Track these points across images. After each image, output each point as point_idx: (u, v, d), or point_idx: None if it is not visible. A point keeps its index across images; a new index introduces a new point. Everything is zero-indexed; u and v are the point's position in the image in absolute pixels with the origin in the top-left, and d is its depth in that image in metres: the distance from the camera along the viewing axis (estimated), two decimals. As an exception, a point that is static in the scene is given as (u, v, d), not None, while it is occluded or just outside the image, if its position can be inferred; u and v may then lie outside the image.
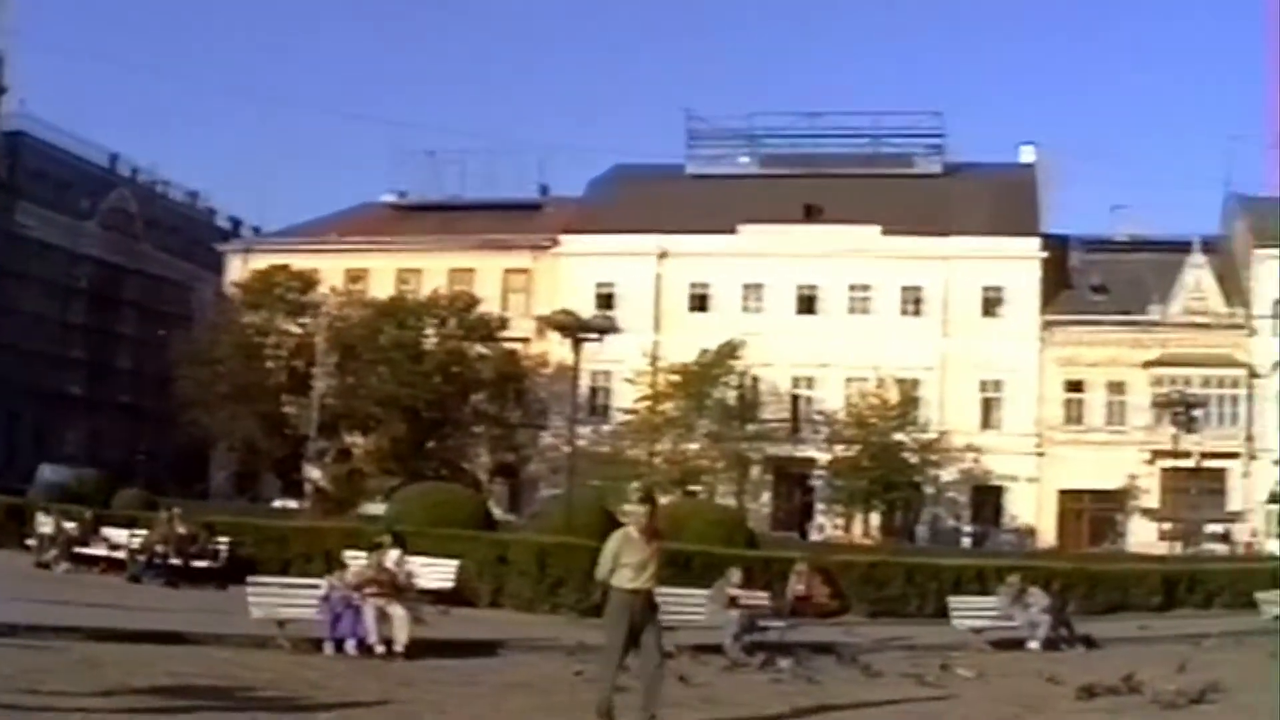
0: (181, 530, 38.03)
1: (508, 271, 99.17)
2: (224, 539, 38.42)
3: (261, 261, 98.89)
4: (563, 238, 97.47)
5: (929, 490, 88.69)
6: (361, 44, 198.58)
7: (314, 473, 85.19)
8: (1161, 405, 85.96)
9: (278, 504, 77.12)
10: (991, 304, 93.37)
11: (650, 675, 16.65)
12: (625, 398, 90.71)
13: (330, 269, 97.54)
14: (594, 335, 48.51)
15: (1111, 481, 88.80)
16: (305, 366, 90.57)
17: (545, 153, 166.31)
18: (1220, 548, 79.32)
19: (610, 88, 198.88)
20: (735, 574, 29.67)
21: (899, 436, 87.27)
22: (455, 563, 34.66)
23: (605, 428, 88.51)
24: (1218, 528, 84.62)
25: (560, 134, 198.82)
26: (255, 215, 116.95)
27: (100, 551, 39.84)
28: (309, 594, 24.88)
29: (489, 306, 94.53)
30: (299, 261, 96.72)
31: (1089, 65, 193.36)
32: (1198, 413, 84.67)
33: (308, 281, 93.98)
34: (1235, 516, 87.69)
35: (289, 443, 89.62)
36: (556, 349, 67.99)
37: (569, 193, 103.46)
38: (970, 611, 33.00)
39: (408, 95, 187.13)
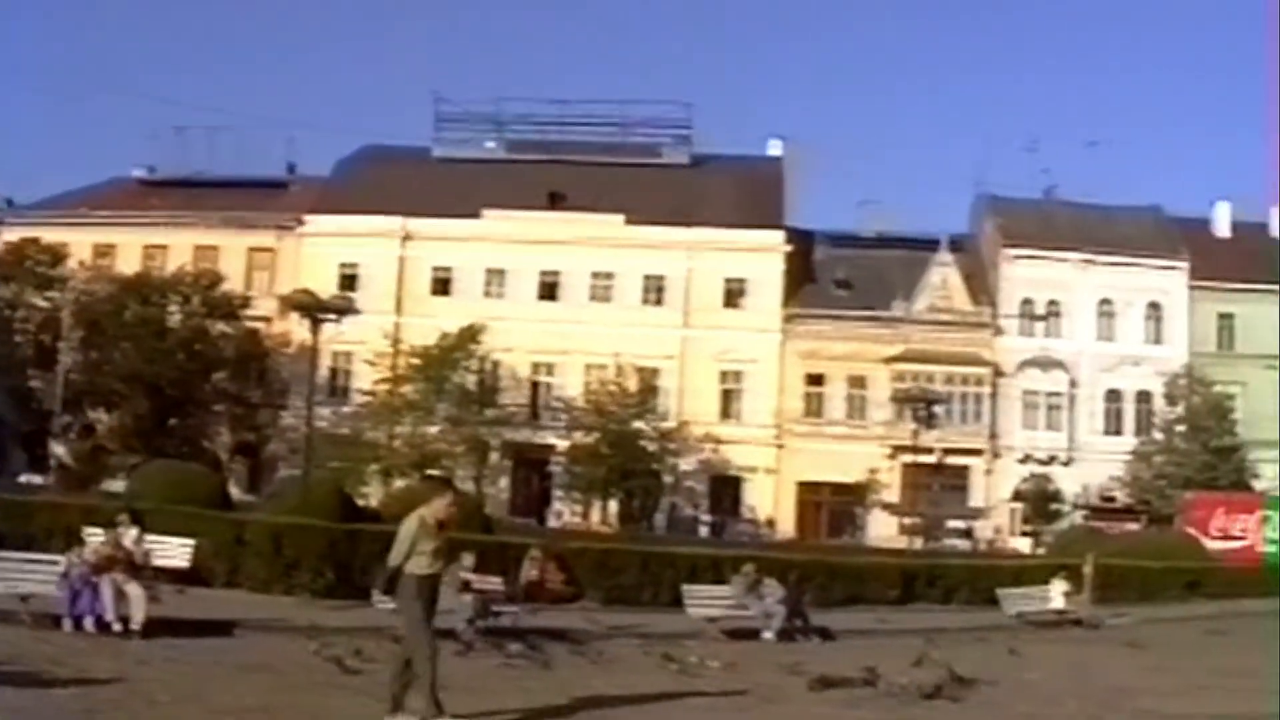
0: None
1: (252, 250, 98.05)
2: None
3: (13, 235, 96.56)
4: (308, 217, 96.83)
5: (668, 479, 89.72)
6: (115, 17, 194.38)
7: (58, 448, 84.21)
8: (900, 400, 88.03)
9: (24, 479, 75.88)
10: (734, 295, 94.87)
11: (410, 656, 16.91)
12: (366, 379, 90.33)
13: (79, 243, 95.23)
14: (332, 316, 48.55)
15: (852, 475, 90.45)
16: (52, 341, 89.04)
17: (296, 131, 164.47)
18: (962, 544, 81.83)
19: (363, 67, 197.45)
20: (468, 558, 30.08)
21: (638, 425, 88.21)
22: (191, 542, 34.43)
23: (345, 409, 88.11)
24: (960, 524, 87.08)
25: (312, 113, 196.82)
26: (10, 188, 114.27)
27: None
28: (50, 570, 24.92)
29: (234, 285, 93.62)
30: (49, 235, 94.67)
31: (843, 61, 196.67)
32: (939, 409, 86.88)
33: (57, 255, 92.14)
34: (977, 513, 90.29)
35: (35, 418, 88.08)
36: (299, 329, 67.74)
37: (319, 172, 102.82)
38: (705, 600, 33.80)
39: (162, 70, 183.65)
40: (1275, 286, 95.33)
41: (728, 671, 25.05)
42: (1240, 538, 74.74)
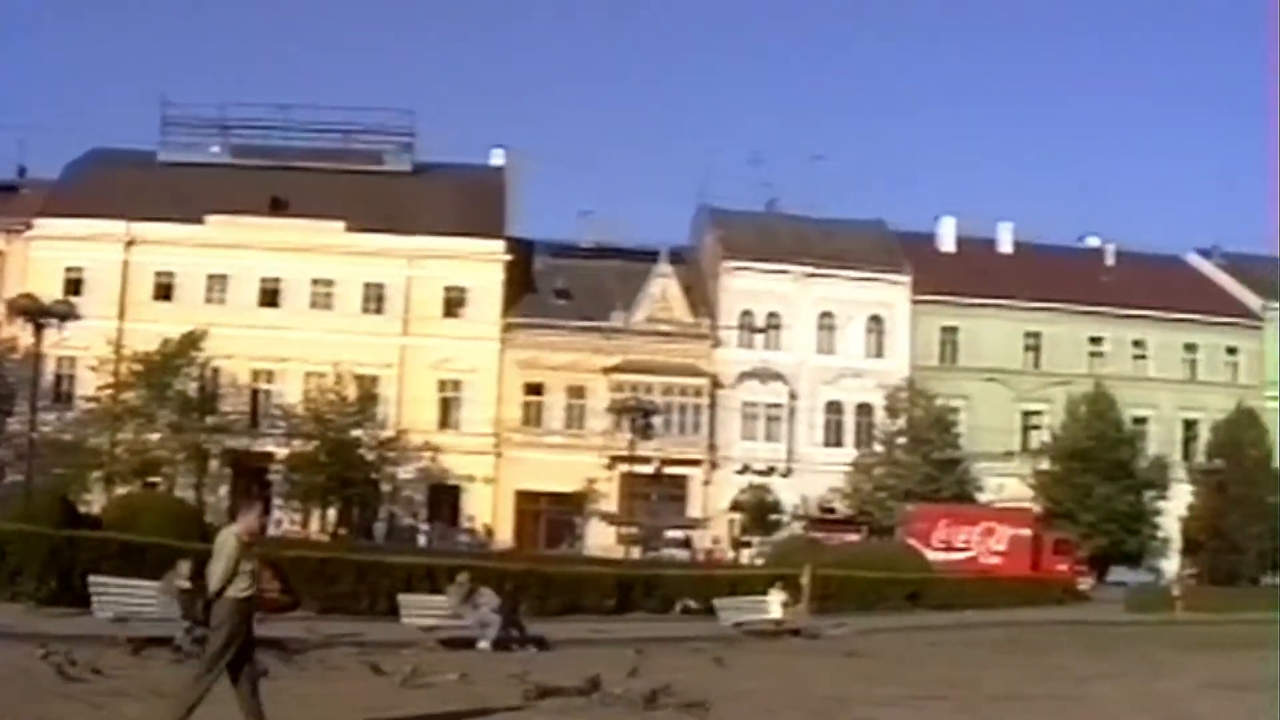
0: None
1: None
2: None
3: None
4: (36, 221, 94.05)
5: (386, 488, 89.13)
6: None
7: None
8: (617, 411, 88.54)
9: None
10: (453, 304, 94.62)
11: (253, 681, 16.08)
12: (90, 385, 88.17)
13: None
14: (54, 320, 47.66)
15: (570, 484, 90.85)
16: None
17: (28, 134, 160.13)
18: (681, 554, 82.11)
19: (95, 69, 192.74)
20: (185, 566, 29.16)
21: (357, 433, 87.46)
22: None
23: (70, 415, 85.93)
24: (678, 534, 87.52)
25: (44, 115, 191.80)
26: None
27: None
28: None
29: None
30: None
31: (568, 71, 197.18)
32: (657, 420, 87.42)
33: None
34: (696, 523, 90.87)
35: None
36: (25, 334, 66.23)
37: (50, 175, 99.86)
38: (421, 610, 33.28)
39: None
40: (1000, 300, 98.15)
41: (459, 682, 24.60)
42: (963, 549, 76.36)
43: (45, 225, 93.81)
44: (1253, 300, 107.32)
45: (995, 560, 76.14)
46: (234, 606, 15.74)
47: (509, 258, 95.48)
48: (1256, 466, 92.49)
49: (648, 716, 21.26)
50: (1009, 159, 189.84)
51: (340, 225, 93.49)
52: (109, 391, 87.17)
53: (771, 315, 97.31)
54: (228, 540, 15.95)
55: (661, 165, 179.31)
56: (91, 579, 28.52)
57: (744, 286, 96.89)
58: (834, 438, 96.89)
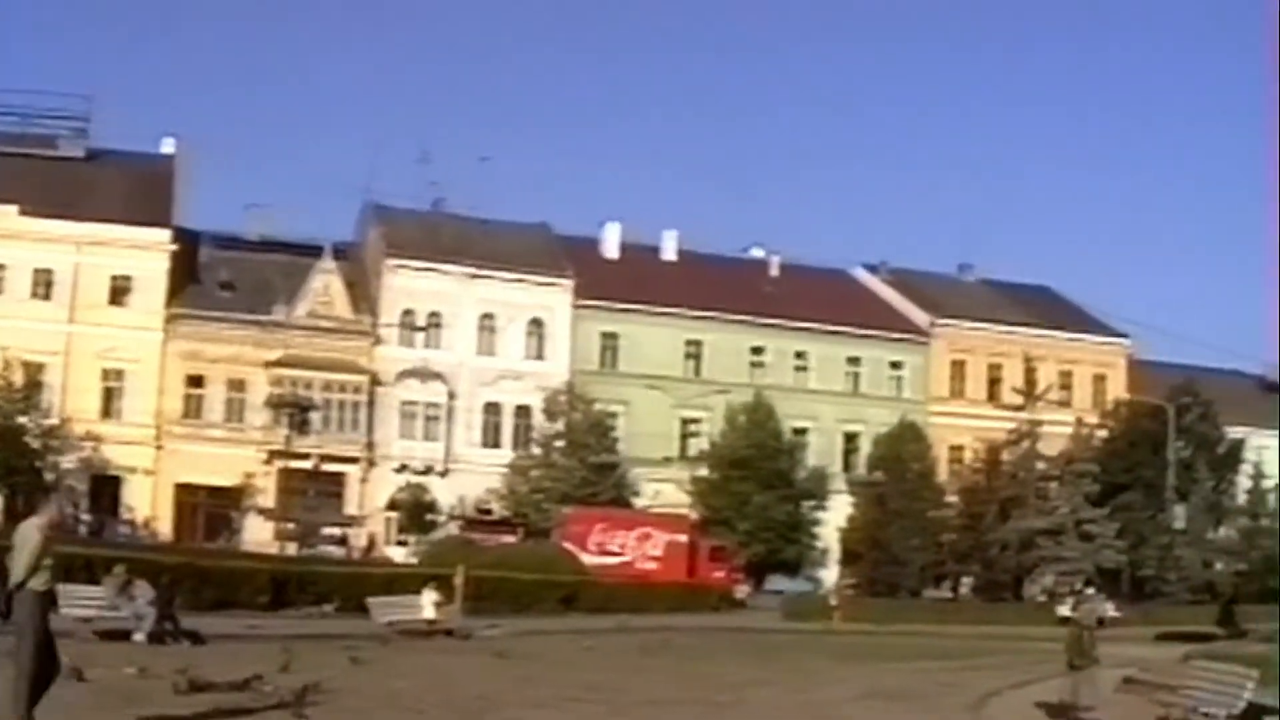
0: None
1: None
2: None
3: None
4: None
5: (50, 477, 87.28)
6: None
7: None
8: (274, 405, 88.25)
9: None
10: (119, 292, 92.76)
11: (50, 678, 15.95)
12: None
13: None
14: None
15: (229, 478, 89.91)
16: None
17: None
18: (338, 551, 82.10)
19: None
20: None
21: (22, 420, 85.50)
22: None
23: None
24: (335, 531, 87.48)
25: None
26: None
27: None
28: None
29: None
30: None
31: (245, 63, 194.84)
32: (316, 416, 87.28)
33: None
34: (353, 520, 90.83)
35: None
36: None
37: None
38: (79, 601, 33.27)
39: None
40: (662, 307, 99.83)
41: (114, 674, 24.62)
42: (619, 554, 77.59)
43: None
44: (919, 316, 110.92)
45: (651, 565, 77.41)
46: (36, 600, 15.82)
47: (175, 248, 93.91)
48: (918, 480, 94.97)
49: (295, 713, 21.37)
50: (676, 167, 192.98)
51: (14, 209, 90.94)
52: None
53: (433, 314, 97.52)
54: (30, 533, 15.99)
55: (331, 161, 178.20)
56: None
57: (406, 285, 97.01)
58: (492, 439, 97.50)
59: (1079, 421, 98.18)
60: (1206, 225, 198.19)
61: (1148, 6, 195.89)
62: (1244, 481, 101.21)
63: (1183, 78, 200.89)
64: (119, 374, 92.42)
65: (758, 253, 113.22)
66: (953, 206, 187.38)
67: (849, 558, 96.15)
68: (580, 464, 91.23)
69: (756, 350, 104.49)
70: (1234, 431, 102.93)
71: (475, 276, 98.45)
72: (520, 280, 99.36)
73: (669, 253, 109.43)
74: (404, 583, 47.98)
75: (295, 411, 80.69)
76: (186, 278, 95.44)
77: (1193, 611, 73.57)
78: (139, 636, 31.95)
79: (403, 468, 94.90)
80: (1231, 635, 48.46)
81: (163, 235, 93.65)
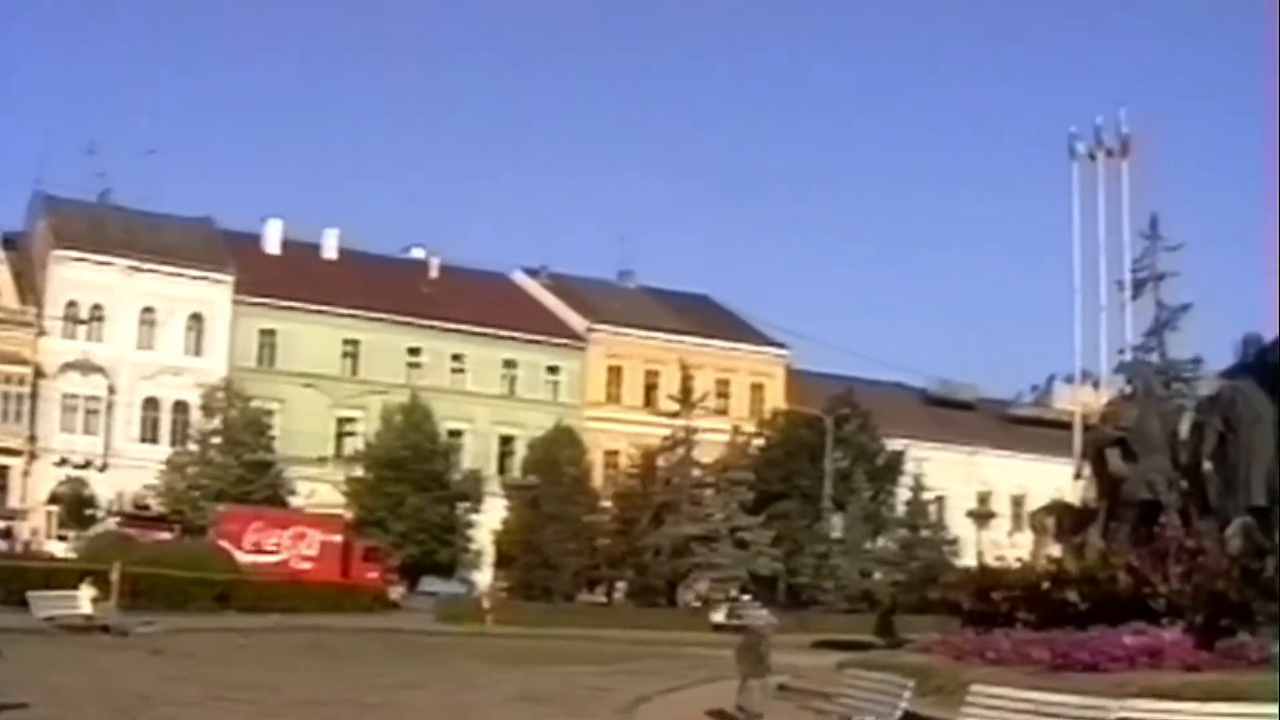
0: None
1: None
2: None
3: None
4: None
5: None
6: None
7: None
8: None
9: None
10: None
11: None
12: None
13: None
14: None
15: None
16: None
17: None
18: (2, 544, 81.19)
19: None
20: None
21: None
22: None
23: None
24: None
25: None
26: None
27: None
28: None
29: None
30: None
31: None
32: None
33: None
34: (15, 514, 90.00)
35: None
36: None
37: None
38: None
39: None
40: (321, 305, 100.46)
41: None
42: (274, 552, 78.06)
43: None
44: (577, 321, 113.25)
45: (306, 565, 77.58)
46: None
47: None
48: (573, 484, 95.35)
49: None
50: (341, 164, 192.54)
51: None
52: None
53: (96, 307, 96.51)
54: None
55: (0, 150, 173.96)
56: None
57: (72, 276, 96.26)
58: (151, 434, 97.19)
59: (735, 430, 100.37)
60: (869, 237, 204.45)
61: (779, 10, 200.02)
62: (903, 493, 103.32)
63: (830, 83, 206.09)
64: None
65: (418, 253, 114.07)
66: (614, 212, 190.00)
67: (503, 561, 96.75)
68: (237, 461, 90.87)
69: (414, 351, 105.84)
70: (894, 443, 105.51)
71: (137, 270, 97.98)
72: (181, 274, 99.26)
73: (330, 251, 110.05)
74: (62, 578, 48.74)
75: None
76: None
77: (849, 620, 75.45)
78: None
79: (63, 461, 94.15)
80: (890, 645, 49.85)
81: None
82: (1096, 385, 59.83)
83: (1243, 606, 24.02)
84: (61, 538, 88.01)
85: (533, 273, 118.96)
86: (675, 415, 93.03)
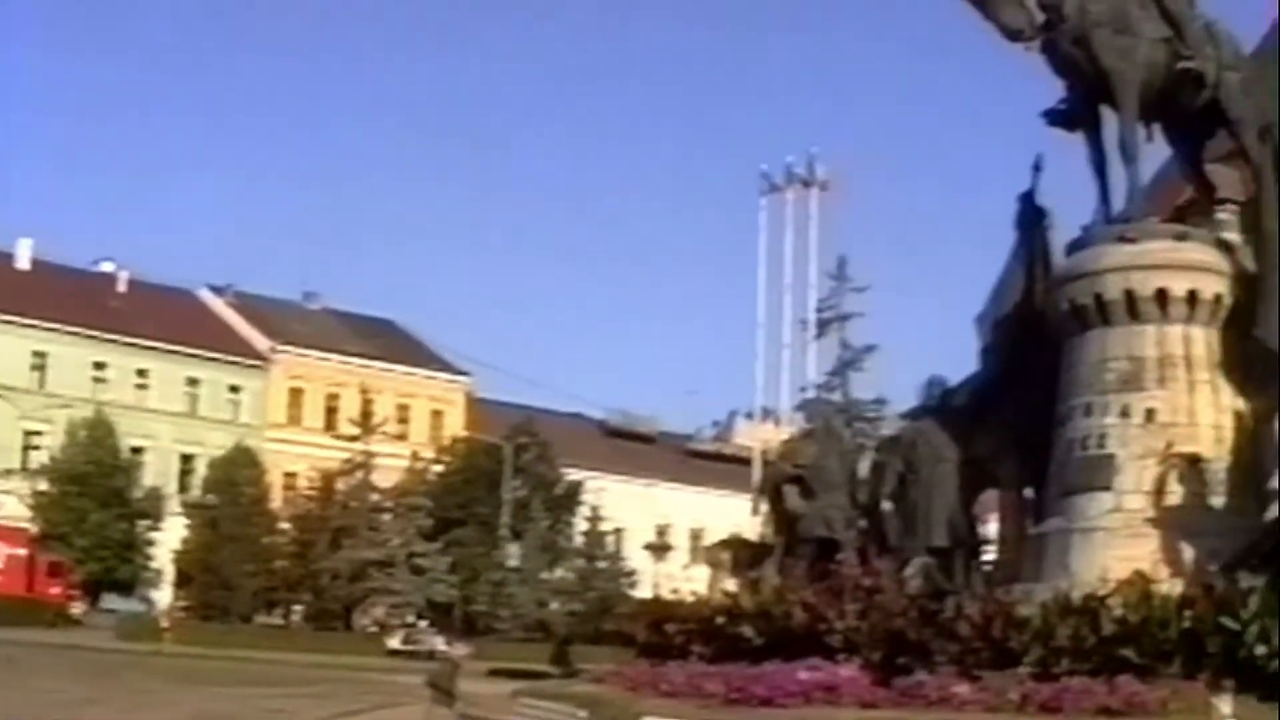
0: None
1: None
2: None
3: None
4: None
5: None
6: None
7: None
8: None
9: None
10: None
11: None
12: None
13: None
14: None
15: None
16: None
17: None
18: None
19: None
20: None
21: None
22: None
23: None
24: None
25: None
26: None
27: None
28: None
29: None
30: None
31: None
32: None
33: None
34: None
35: None
36: None
37: None
38: None
39: None
40: (9, 316, 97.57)
41: None
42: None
43: None
44: (260, 341, 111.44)
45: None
46: None
47: None
48: (251, 505, 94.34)
49: None
50: (37, 171, 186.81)
51: None
52: None
53: None
54: None
55: None
56: None
57: None
58: None
59: (415, 455, 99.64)
60: (554, 266, 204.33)
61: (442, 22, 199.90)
62: (581, 523, 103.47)
63: (516, 110, 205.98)
64: None
65: (108, 267, 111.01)
66: (302, 234, 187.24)
67: (183, 580, 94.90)
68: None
69: (100, 365, 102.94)
70: (573, 473, 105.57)
71: None
72: None
73: (23, 261, 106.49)
74: None
75: None
76: None
77: (525, 649, 74.35)
78: None
79: None
80: (565, 674, 49.81)
81: None
82: (778, 422, 60.55)
83: (921, 645, 24.09)
84: None
85: (219, 290, 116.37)
86: (355, 439, 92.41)
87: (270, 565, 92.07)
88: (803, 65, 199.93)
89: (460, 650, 30.54)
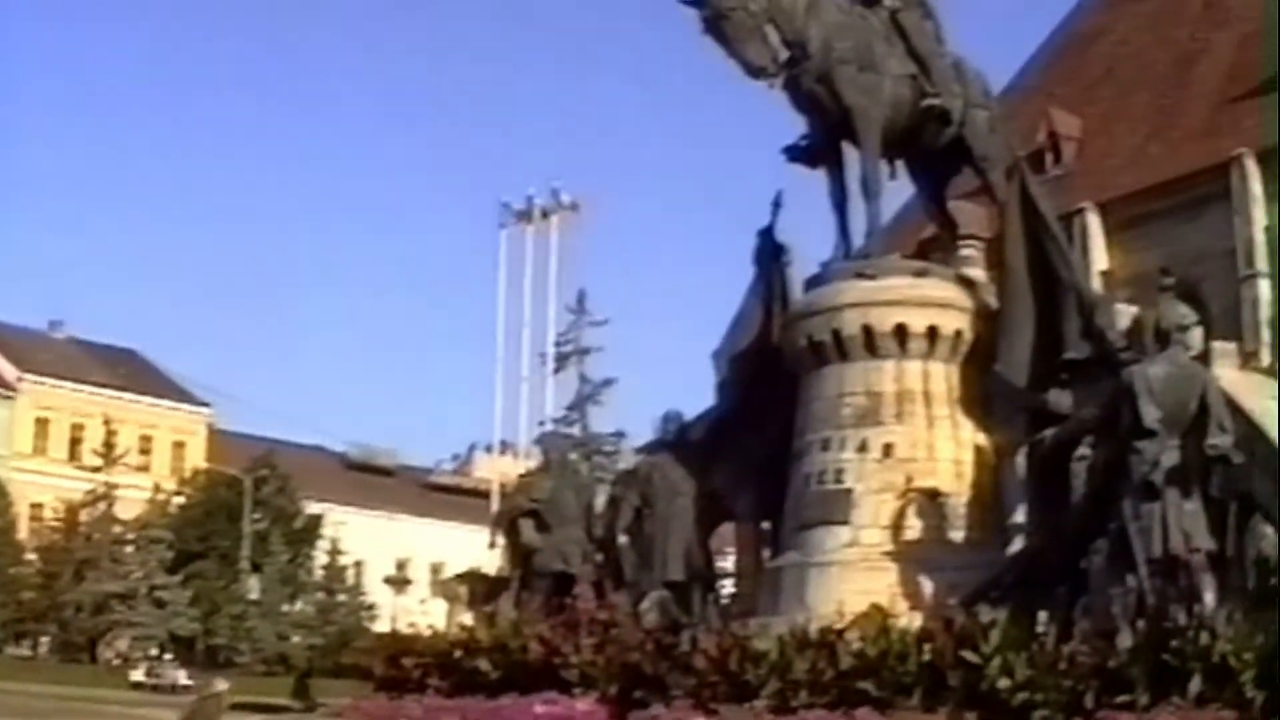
0: None
1: None
2: None
3: None
4: None
5: None
6: None
7: None
8: None
9: None
10: None
11: None
12: None
13: None
14: None
15: None
16: None
17: None
18: None
19: None
20: None
21: None
22: None
23: None
24: None
25: None
26: None
27: None
28: None
29: None
30: None
31: None
32: None
33: None
34: None
35: None
36: None
37: None
38: None
39: None
40: None
41: None
42: None
43: None
44: (7, 369, 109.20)
45: None
46: None
47: None
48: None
49: None
50: None
51: None
52: None
53: None
54: None
55: None
56: None
57: None
58: None
59: (156, 487, 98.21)
60: (295, 300, 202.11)
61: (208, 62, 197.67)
62: (321, 557, 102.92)
63: (270, 139, 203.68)
64: None
65: None
66: (46, 261, 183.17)
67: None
68: None
69: None
70: (314, 506, 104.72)
71: None
72: None
73: None
74: None
75: None
76: None
77: (266, 682, 73.58)
78: None
79: None
80: (305, 708, 49.33)
81: None
82: (516, 455, 59.79)
83: (657, 679, 23.35)
84: None
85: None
86: (98, 470, 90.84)
87: (17, 596, 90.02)
88: (548, 95, 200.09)
89: (221, 685, 30.10)
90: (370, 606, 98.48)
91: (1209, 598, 20.01)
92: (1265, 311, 57.78)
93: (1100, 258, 60.79)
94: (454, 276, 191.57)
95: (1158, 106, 66.40)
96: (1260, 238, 58.73)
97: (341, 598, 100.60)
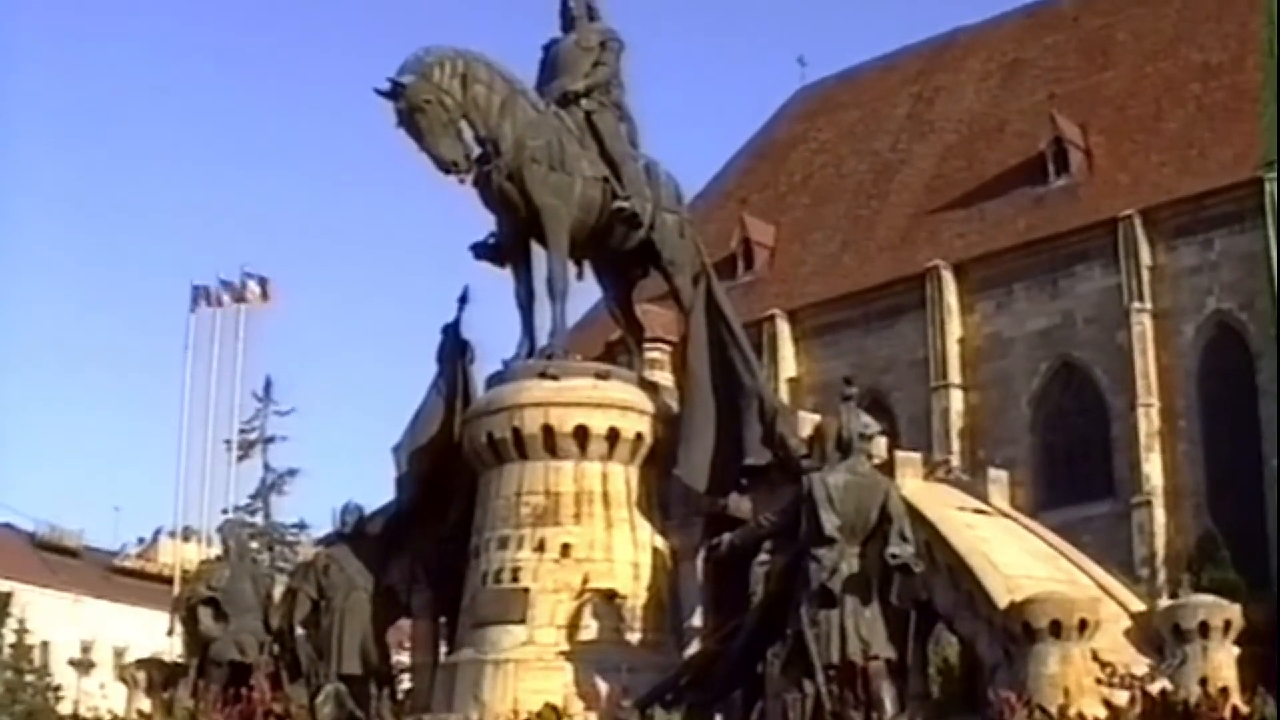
0: None
1: None
2: None
3: None
4: None
5: None
6: None
7: None
8: None
9: None
10: None
11: None
12: None
13: None
14: None
15: None
16: None
17: None
18: None
19: None
20: None
21: None
22: None
23: None
24: None
25: None
26: None
27: None
28: None
29: None
30: None
31: None
32: None
33: None
34: None
35: None
36: None
37: None
38: None
39: None
40: None
41: None
42: None
43: None
44: None
45: None
46: None
47: None
48: None
49: None
50: None
51: None
52: None
53: None
54: None
55: None
56: None
57: None
58: None
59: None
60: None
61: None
62: (9, 636, 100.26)
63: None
64: None
65: None
66: None
67: None
68: None
69: None
70: (1, 585, 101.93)
71: None
72: None
73: None
74: None
75: None
76: None
77: None
78: None
79: None
80: None
81: None
82: (200, 542, 58.57)
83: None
84: None
85: None
86: None
87: None
88: (242, 180, 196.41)
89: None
90: (57, 688, 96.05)
91: (889, 705, 20.22)
92: (956, 422, 59.29)
93: (789, 364, 61.78)
94: (144, 359, 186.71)
95: (854, 216, 67.64)
96: (954, 349, 60.19)
97: (29, 678, 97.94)
